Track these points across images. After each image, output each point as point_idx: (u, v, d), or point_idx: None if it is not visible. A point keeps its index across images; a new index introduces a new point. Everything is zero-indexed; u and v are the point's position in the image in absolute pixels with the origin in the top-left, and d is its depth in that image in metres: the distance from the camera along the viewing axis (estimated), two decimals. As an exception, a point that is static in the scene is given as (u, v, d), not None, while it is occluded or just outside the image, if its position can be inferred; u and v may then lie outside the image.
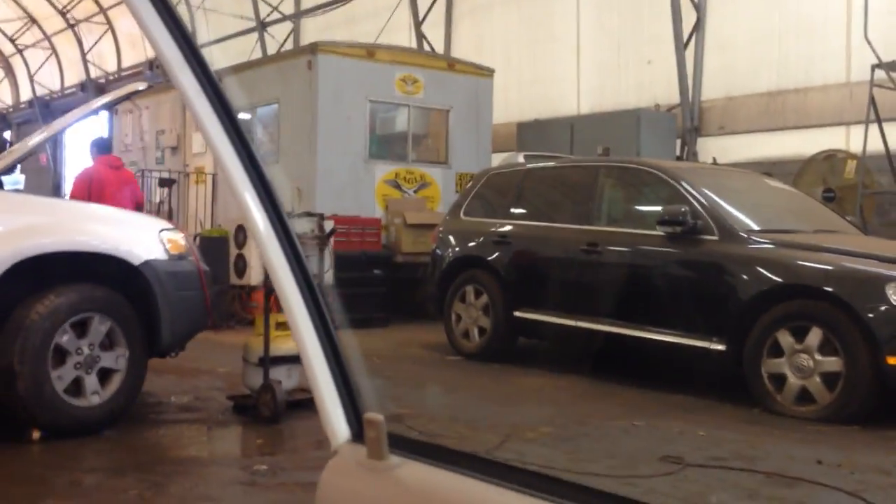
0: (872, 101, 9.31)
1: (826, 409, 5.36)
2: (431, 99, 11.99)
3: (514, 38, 15.10)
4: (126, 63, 31.32)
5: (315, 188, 10.96)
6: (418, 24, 17.18)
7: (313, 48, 11.18)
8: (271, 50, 22.30)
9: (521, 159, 8.38)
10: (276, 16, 22.16)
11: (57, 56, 35.60)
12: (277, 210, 1.14)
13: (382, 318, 9.90)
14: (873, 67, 9.30)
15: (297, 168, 11.36)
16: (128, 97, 4.99)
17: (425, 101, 12.00)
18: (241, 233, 5.20)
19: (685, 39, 12.11)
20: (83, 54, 33.52)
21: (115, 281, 4.73)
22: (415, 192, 12.06)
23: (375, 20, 18.21)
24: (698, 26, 12.26)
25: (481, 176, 8.64)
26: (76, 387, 4.53)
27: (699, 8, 12.28)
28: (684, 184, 6.58)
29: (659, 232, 6.48)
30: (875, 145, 9.68)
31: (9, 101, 38.50)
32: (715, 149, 11.54)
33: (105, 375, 4.65)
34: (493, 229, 7.96)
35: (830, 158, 9.84)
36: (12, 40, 36.91)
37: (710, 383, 6.22)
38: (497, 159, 13.13)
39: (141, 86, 5.21)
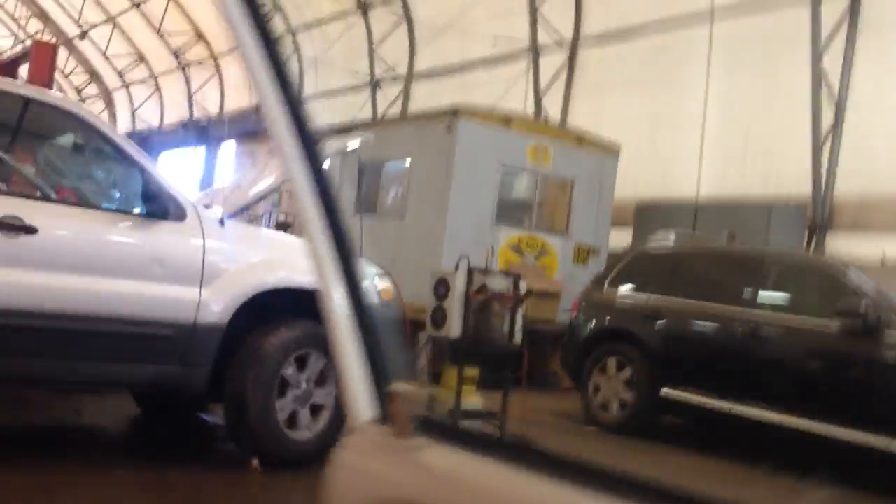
0: None
1: None
2: (558, 170, 12.16)
3: (636, 115, 15.26)
4: (228, 107, 32.43)
5: (443, 248, 11.11)
6: (539, 95, 17.48)
7: (455, 112, 11.45)
8: (381, 108, 22.86)
9: (672, 239, 8.38)
10: (387, 73, 22.76)
11: (160, 94, 37.02)
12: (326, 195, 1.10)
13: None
14: None
15: (424, 225, 11.56)
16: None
17: (553, 172, 12.17)
18: (442, 286, 5.30)
19: (823, 134, 12.12)
20: (189, 94, 34.79)
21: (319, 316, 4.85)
22: (535, 258, 12.16)
23: (490, 88, 18.57)
24: (836, 123, 12.26)
25: (631, 251, 8.70)
26: (291, 420, 4.63)
27: (839, 106, 12.29)
28: (863, 279, 6.53)
29: (830, 323, 6.42)
30: None
31: (109, 132, 39.91)
32: (845, 247, 11.43)
33: (315, 411, 4.75)
34: (641, 304, 7.96)
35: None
36: (120, 74, 38.52)
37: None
38: (615, 234, 13.19)
39: (370, 136, 5.39)
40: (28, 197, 4.08)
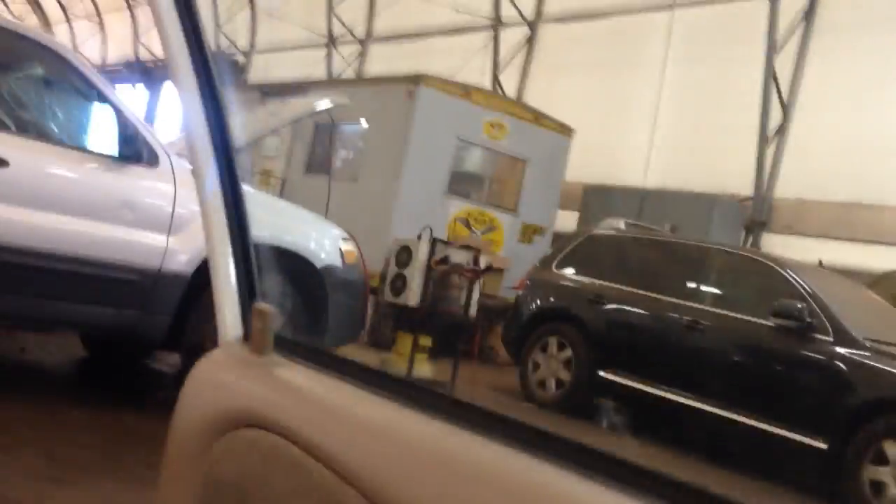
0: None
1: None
2: (514, 147, 12.26)
3: (590, 99, 15.43)
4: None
5: (392, 214, 11.13)
6: (497, 69, 17.53)
7: (416, 78, 11.43)
8: (336, 68, 22.61)
9: (621, 226, 8.57)
10: (344, 34, 22.50)
11: (104, 32, 35.86)
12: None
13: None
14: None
15: (376, 191, 11.55)
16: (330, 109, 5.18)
17: (507, 148, 12.27)
18: (405, 253, 5.36)
19: (770, 133, 12.47)
20: (135, 34, 33.80)
21: (292, 277, 4.88)
22: (482, 233, 12.27)
23: (448, 58, 18.53)
24: (783, 125, 12.63)
25: (579, 235, 8.86)
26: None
27: (787, 108, 12.65)
28: (801, 281, 6.81)
29: (769, 322, 6.69)
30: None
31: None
32: (780, 247, 11.83)
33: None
34: (587, 287, 8.14)
35: (903, 277, 10.16)
36: (63, 8, 37.17)
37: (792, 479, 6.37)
38: (561, 215, 13.39)
39: (345, 100, 5.40)
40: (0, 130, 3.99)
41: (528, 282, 8.81)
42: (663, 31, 14.66)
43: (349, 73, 22.33)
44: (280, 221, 4.83)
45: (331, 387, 0.96)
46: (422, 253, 5.27)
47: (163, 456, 1.08)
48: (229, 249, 1.15)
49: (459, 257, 5.39)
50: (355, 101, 12.55)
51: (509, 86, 17.41)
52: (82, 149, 4.31)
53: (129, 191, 4.28)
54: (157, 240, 4.33)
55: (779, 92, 12.80)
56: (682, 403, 6.98)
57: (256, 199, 5.02)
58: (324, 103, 5.09)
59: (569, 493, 0.68)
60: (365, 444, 0.85)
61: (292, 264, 4.82)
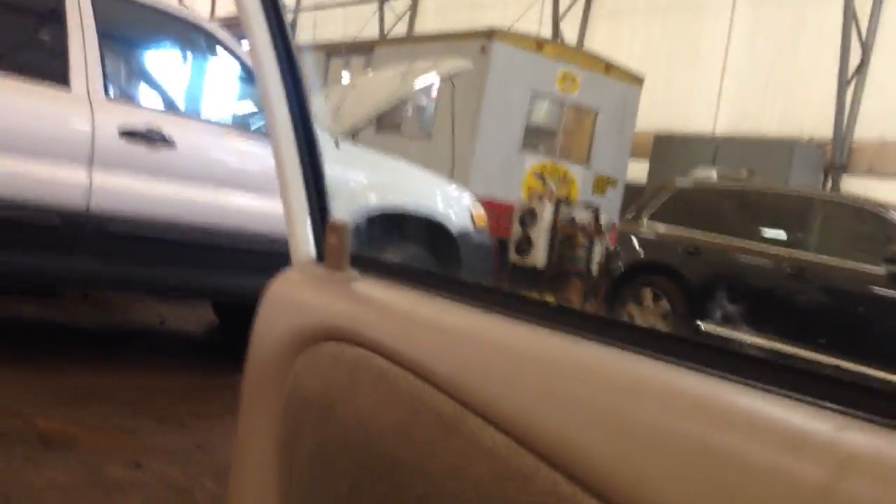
0: None
1: None
2: (585, 98, 12.18)
3: (655, 46, 15.22)
4: (219, 13, 31.56)
5: (470, 170, 11.17)
6: (557, 17, 17.31)
7: (490, 34, 11.36)
8: (388, 25, 22.47)
9: (713, 176, 8.52)
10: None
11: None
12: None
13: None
14: None
15: (451, 148, 11.57)
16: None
17: (579, 100, 12.19)
18: (530, 215, 5.42)
19: (848, 75, 12.24)
20: (179, -4, 33.72)
21: (428, 242, 4.98)
22: (556, 186, 12.27)
23: (504, 9, 18.34)
24: (862, 64, 12.37)
25: (670, 186, 8.82)
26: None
27: (865, 47, 12.38)
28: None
29: (880, 269, 6.66)
30: None
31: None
32: (860, 190, 11.67)
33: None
34: (682, 238, 8.14)
35: None
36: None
37: None
38: (632, 167, 13.32)
39: (469, 65, 5.42)
40: (167, 111, 4.10)
41: (619, 234, 8.82)
42: (731, -28, 14.36)
43: (400, 30, 22.21)
44: (413, 186, 4.91)
45: (412, 298, 0.94)
46: (547, 214, 5.31)
47: (243, 376, 1.07)
48: (299, 169, 1.12)
49: (581, 217, 5.43)
50: (427, 57, 12.55)
51: (570, 33, 17.20)
52: (240, 127, 4.41)
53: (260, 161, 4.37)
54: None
55: (858, 30, 12.50)
56: (788, 355, 7.01)
57: (386, 164, 5.10)
58: (450, 68, 5.12)
59: (672, 382, 0.65)
60: (453, 351, 0.82)
61: (428, 230, 4.92)
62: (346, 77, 14.05)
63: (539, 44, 11.95)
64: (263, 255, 4.23)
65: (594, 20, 16.95)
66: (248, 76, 4.35)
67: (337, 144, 4.62)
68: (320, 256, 1.09)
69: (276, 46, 1.14)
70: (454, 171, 11.16)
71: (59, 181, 3.69)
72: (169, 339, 5.37)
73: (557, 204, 5.33)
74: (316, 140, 1.14)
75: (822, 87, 12.62)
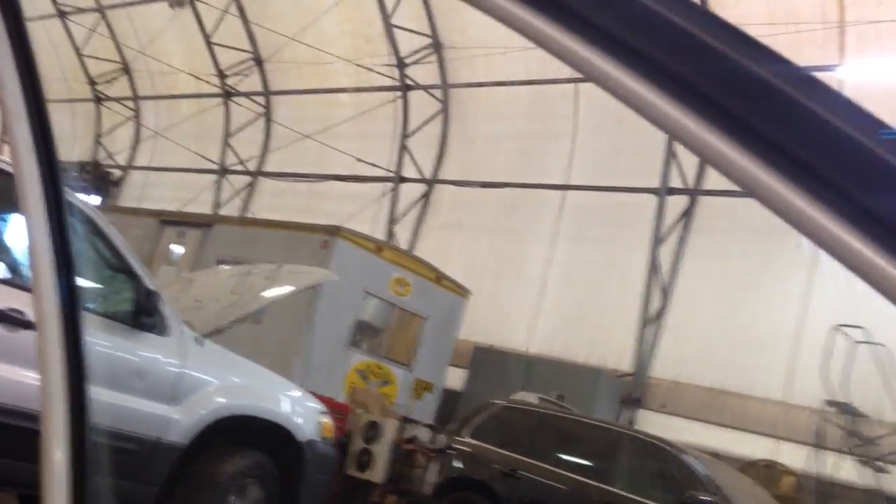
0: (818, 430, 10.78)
1: None
2: (415, 304, 12.68)
3: (481, 261, 16.19)
4: None
5: (296, 361, 11.16)
6: (392, 223, 18.13)
7: (333, 230, 11.77)
8: (224, 196, 22.63)
9: (533, 400, 9.02)
10: (236, 164, 22.66)
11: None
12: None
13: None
14: (825, 402, 10.87)
15: (281, 336, 11.56)
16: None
17: (409, 305, 12.67)
18: (374, 429, 5.53)
19: (650, 316, 13.53)
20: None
21: (268, 446, 4.95)
22: (378, 386, 12.42)
23: (340, 201, 19.07)
24: (662, 310, 13.73)
25: (491, 405, 9.19)
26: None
27: (666, 294, 13.80)
28: (710, 474, 7.39)
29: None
30: (806, 465, 11.04)
31: None
32: (654, 425, 12.62)
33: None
34: (500, 459, 8.42)
35: (770, 468, 11.05)
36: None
37: None
38: (452, 372, 13.78)
39: (335, 277, 5.60)
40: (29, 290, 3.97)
41: (441, 449, 8.99)
42: (555, 208, 15.80)
43: (236, 203, 22.40)
44: (267, 392, 4.94)
45: None
46: (390, 430, 5.43)
47: None
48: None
49: (424, 436, 5.60)
50: (267, 241, 12.74)
51: (402, 237, 18.01)
52: (102, 313, 4.33)
53: (141, 359, 4.31)
54: (159, 409, 4.35)
55: (660, 278, 13.97)
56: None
57: (246, 368, 5.11)
58: (314, 279, 5.31)
59: None
60: None
61: (276, 437, 4.91)
62: (178, 249, 13.91)
63: (379, 247, 12.48)
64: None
65: (426, 229, 17.90)
66: (119, 263, 4.32)
67: (200, 342, 4.63)
68: None
69: (48, 205, 1.10)
70: (279, 359, 11.13)
71: None
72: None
73: (403, 421, 5.48)
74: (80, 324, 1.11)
75: (626, 324, 13.83)
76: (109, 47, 25.49)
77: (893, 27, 11.72)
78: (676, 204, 14.24)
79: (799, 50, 12.44)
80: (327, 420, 5.26)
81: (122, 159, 26.99)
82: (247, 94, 22.11)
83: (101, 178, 26.54)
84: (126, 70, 25.77)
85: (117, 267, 4.40)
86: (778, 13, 12.88)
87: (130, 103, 26.22)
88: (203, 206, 22.18)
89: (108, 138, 27.50)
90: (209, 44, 22.27)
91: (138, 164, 26.66)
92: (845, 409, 11.00)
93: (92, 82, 26.80)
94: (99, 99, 27.08)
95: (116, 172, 26.93)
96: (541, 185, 16.00)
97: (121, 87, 26.34)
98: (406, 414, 11.61)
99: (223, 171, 22.68)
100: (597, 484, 7.77)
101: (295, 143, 20.78)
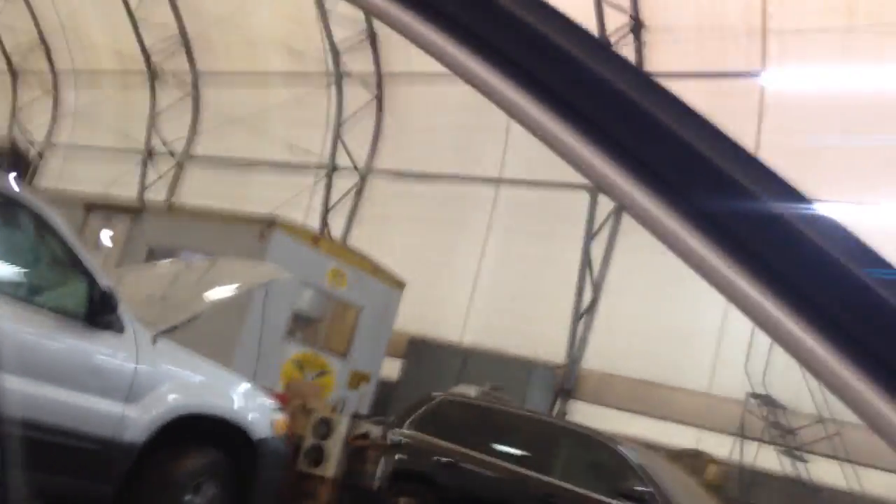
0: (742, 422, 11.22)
1: None
2: (351, 295, 12.68)
3: (415, 253, 16.20)
4: None
5: (234, 353, 11.05)
6: (326, 213, 18.01)
7: (270, 222, 11.66)
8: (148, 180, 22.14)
9: (472, 392, 9.14)
10: (162, 147, 22.18)
11: None
12: None
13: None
14: (748, 395, 11.33)
15: (217, 329, 11.40)
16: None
17: (345, 296, 12.66)
18: (325, 426, 5.55)
19: (582, 309, 13.82)
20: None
21: (223, 444, 4.94)
22: (314, 377, 12.39)
23: (274, 188, 18.85)
24: (593, 303, 14.03)
25: (432, 398, 9.27)
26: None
27: (597, 288, 14.11)
28: (642, 464, 7.63)
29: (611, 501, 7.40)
30: (730, 454, 11.49)
31: None
32: (585, 415, 12.92)
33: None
34: (442, 451, 8.51)
35: (697, 457, 11.44)
36: None
37: None
38: (388, 363, 13.83)
39: (288, 275, 5.56)
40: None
41: (383, 440, 9.04)
42: (488, 202, 15.95)
43: (161, 188, 21.93)
44: (221, 390, 4.91)
45: None
46: (342, 426, 5.47)
47: None
48: None
49: (375, 432, 5.65)
50: (200, 231, 12.53)
51: (336, 228, 17.92)
52: (55, 310, 4.24)
53: (95, 357, 4.24)
54: (115, 408, 4.29)
55: (591, 273, 14.27)
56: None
57: (209, 368, 5.07)
58: (262, 276, 5.28)
59: None
60: None
61: (229, 434, 4.90)
62: (106, 236, 13.54)
63: (315, 239, 12.44)
64: (55, 449, 4.01)
65: (360, 220, 17.86)
66: (70, 260, 4.23)
67: (154, 341, 4.57)
68: None
69: None
70: (218, 351, 11.00)
71: None
72: None
73: (354, 417, 5.52)
74: None
75: (559, 316, 14.09)
76: (26, 17, 24.52)
77: (815, 37, 12.19)
78: (609, 200, 14.53)
79: (724, 57, 12.87)
80: (280, 417, 5.26)
81: (39, 137, 26.05)
82: (174, 74, 21.60)
83: (17, 156, 25.57)
84: (43, 42, 24.83)
85: (69, 263, 4.31)
86: (704, 20, 13.23)
87: (49, 78, 25.30)
88: (127, 188, 21.66)
89: (24, 113, 26.49)
90: (132, 18, 21.66)
91: (57, 142, 25.78)
92: (767, 401, 11.47)
93: (5, 54, 25.80)
94: (14, 73, 26.07)
95: (33, 151, 26.00)
96: (475, 177, 16.12)
97: (38, 61, 25.40)
98: (341, 404, 11.67)
99: (149, 154, 22.12)
100: (535, 475, 7.93)
101: (224, 127, 20.45)
